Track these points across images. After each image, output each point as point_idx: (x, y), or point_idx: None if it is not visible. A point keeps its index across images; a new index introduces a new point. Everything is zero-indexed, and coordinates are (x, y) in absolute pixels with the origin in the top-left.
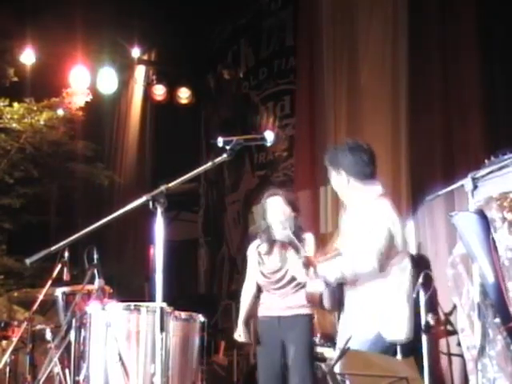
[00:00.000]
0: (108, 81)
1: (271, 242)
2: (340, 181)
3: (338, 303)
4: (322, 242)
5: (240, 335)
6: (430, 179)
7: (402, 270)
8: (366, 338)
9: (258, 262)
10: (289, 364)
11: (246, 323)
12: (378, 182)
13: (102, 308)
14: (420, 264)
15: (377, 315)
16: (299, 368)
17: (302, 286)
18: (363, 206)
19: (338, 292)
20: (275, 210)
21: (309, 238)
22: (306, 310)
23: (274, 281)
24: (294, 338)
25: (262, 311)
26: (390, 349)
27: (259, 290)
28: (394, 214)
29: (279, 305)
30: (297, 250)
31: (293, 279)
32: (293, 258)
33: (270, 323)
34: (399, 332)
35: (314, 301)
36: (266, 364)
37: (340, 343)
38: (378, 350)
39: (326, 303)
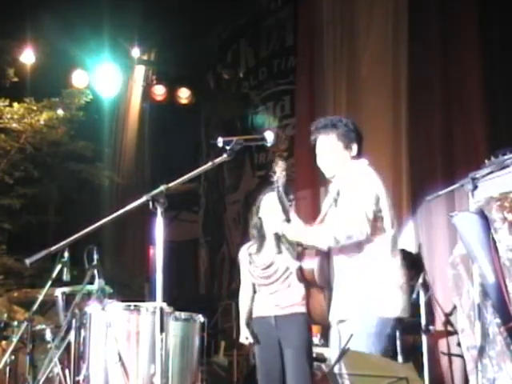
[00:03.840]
0: (108, 81)
1: (262, 238)
2: (335, 146)
3: (328, 280)
4: None
5: (247, 337)
6: (430, 179)
7: (393, 244)
8: (362, 316)
9: (249, 261)
10: (286, 365)
11: (248, 324)
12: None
13: (101, 308)
14: (419, 264)
15: (368, 291)
16: (297, 369)
17: (298, 282)
18: (351, 174)
19: (327, 269)
20: (268, 205)
21: None
22: (304, 308)
23: (265, 276)
24: (290, 338)
25: (257, 312)
26: (384, 325)
27: (255, 291)
28: (380, 183)
29: (274, 303)
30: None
31: (285, 275)
32: (290, 247)
33: (267, 323)
34: (390, 308)
35: (306, 277)
36: (265, 365)
37: (332, 319)
38: (381, 330)
39: (318, 279)
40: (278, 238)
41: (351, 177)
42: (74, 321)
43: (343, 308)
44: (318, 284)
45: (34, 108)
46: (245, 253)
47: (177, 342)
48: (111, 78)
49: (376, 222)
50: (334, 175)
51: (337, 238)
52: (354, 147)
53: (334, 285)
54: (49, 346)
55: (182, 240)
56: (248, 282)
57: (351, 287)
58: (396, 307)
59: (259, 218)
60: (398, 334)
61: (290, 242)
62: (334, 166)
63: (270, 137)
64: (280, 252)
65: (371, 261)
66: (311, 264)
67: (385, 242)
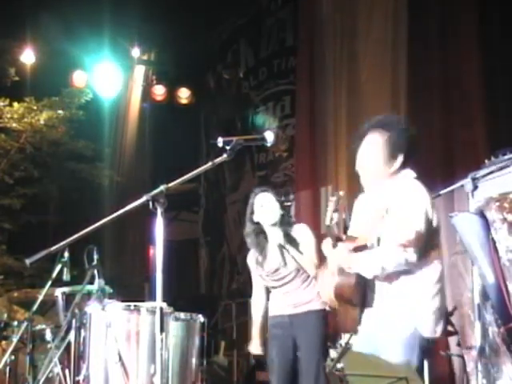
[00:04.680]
0: (108, 81)
1: (262, 244)
2: (384, 150)
3: (362, 298)
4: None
5: (256, 348)
6: (430, 179)
7: (438, 261)
8: (403, 335)
9: (256, 267)
10: (301, 362)
11: (260, 334)
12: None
13: (101, 308)
14: None
15: (413, 311)
16: (312, 366)
17: (310, 280)
18: (395, 186)
19: (361, 286)
20: (265, 208)
21: (300, 229)
22: (318, 305)
23: (277, 279)
24: (306, 336)
25: (273, 311)
26: (427, 345)
27: (269, 295)
28: (429, 199)
29: (289, 302)
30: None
31: (298, 275)
32: (296, 254)
33: (282, 322)
34: (435, 328)
35: (343, 295)
36: (278, 363)
37: (363, 337)
38: (416, 348)
39: (354, 297)
40: (282, 247)
41: (399, 193)
42: (73, 321)
43: (382, 330)
44: (354, 303)
45: (34, 107)
46: (252, 259)
47: (177, 342)
48: (111, 77)
49: (426, 245)
50: (374, 182)
51: (385, 267)
52: (400, 158)
53: (370, 303)
54: (49, 346)
55: (182, 240)
56: (259, 287)
57: (392, 309)
58: (438, 328)
59: (256, 223)
60: None
61: (296, 249)
62: (376, 174)
63: (270, 137)
64: (285, 264)
65: (418, 283)
66: (350, 279)
67: (434, 267)
